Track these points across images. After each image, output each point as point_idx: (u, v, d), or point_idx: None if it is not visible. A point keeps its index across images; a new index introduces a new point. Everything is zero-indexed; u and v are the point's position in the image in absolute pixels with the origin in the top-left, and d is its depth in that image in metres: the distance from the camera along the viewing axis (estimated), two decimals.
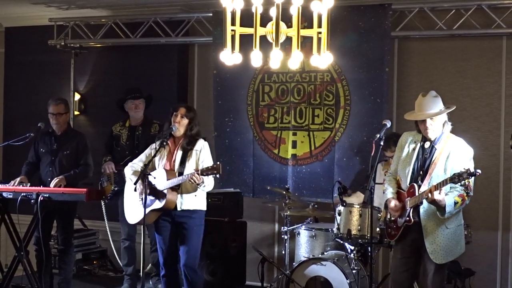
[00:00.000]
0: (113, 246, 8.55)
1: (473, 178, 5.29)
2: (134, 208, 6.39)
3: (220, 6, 4.10)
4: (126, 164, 6.63)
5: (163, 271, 6.42)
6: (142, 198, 6.15)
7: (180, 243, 6.33)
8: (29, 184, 7.10)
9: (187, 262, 6.27)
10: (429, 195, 5.21)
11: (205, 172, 5.97)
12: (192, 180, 5.99)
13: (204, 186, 6.11)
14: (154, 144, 6.42)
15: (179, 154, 6.29)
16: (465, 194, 5.28)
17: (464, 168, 5.10)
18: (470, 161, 5.38)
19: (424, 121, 5.45)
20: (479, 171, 5.11)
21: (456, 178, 5.10)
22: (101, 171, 7.68)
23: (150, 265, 7.93)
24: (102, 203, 8.43)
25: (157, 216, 6.29)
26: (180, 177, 6.13)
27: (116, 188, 7.46)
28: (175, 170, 6.25)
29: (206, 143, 6.37)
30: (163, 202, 6.15)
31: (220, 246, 7.53)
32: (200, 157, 6.26)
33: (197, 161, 6.25)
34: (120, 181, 7.33)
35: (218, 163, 5.98)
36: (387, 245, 6.36)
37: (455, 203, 5.26)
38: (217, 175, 6.05)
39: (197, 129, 6.37)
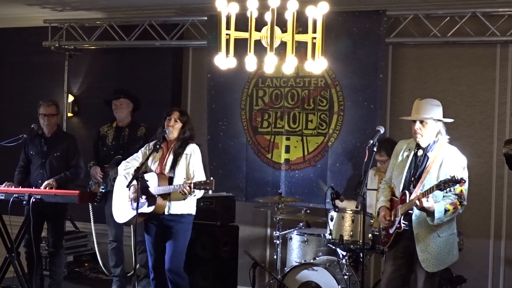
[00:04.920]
0: (96, 248, 8.53)
1: (466, 186, 5.30)
2: (123, 208, 6.38)
3: (215, 10, 4.10)
4: (112, 165, 6.63)
5: (152, 274, 6.42)
6: (132, 200, 6.16)
7: (167, 244, 6.32)
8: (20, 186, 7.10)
9: (171, 267, 6.27)
10: (417, 202, 5.22)
11: (198, 186, 5.97)
12: (183, 192, 5.98)
13: (195, 195, 6.11)
14: (149, 145, 6.42)
15: (170, 158, 6.29)
16: (457, 203, 5.29)
17: (449, 176, 5.11)
18: (463, 170, 5.38)
19: (414, 124, 5.49)
20: (464, 178, 5.12)
21: (442, 185, 5.11)
22: (90, 174, 7.67)
23: (138, 266, 7.92)
24: (90, 206, 8.41)
25: (144, 219, 6.30)
26: (172, 186, 6.12)
27: (103, 190, 7.45)
28: (166, 174, 6.25)
29: (197, 148, 6.36)
30: (152, 208, 6.14)
31: (212, 250, 7.50)
32: (190, 162, 6.25)
33: (187, 166, 6.24)
34: (107, 183, 7.37)
35: (211, 178, 5.98)
36: (379, 251, 6.37)
37: (446, 210, 5.26)
38: (209, 191, 6.04)
39: (190, 133, 6.37)
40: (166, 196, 6.16)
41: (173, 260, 6.27)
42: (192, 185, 5.95)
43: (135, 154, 6.49)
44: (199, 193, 6.15)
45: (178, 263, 6.31)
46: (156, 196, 6.14)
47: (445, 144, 5.49)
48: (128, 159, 6.48)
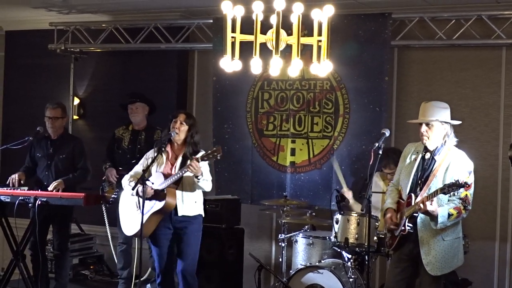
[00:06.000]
0: (113, 252, 8.52)
1: (472, 191, 5.30)
2: (131, 218, 6.35)
3: (221, 13, 4.10)
4: (128, 169, 6.62)
5: (159, 278, 6.39)
6: (138, 203, 6.13)
7: (179, 248, 6.31)
8: (26, 188, 7.10)
9: (187, 268, 6.26)
10: (421, 205, 5.21)
11: (206, 156, 5.95)
12: (191, 168, 5.94)
13: (204, 179, 6.08)
14: (149, 153, 6.40)
15: (179, 161, 6.26)
16: (462, 207, 5.27)
17: (454, 179, 5.11)
18: (469, 174, 5.37)
19: (420, 127, 5.48)
20: (468, 182, 5.12)
21: (446, 189, 5.10)
22: (100, 175, 7.68)
23: (149, 270, 7.92)
24: (104, 208, 8.41)
25: (157, 223, 6.23)
26: (179, 171, 6.09)
27: (115, 196, 7.43)
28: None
29: None
30: (162, 203, 6.10)
31: (217, 253, 7.51)
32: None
33: None
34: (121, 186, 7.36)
35: (218, 146, 5.96)
36: (385, 254, 6.36)
37: (450, 215, 5.24)
38: (218, 157, 6.02)
39: (198, 136, 6.34)
40: (175, 186, 6.14)
41: (189, 261, 6.28)
42: (199, 159, 5.95)
43: (136, 166, 6.45)
44: (206, 176, 6.13)
45: (193, 264, 6.32)
46: (165, 191, 6.11)
47: (453, 148, 5.47)
48: (130, 173, 6.45)
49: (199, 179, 6.06)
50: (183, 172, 6.05)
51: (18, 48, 9.76)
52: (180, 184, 6.17)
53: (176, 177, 6.10)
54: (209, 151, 5.97)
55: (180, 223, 6.24)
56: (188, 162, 6.01)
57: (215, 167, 8.09)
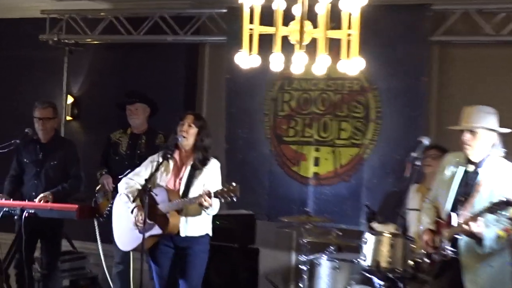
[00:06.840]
0: (106, 272, 8.50)
1: None
2: (127, 232, 6.31)
3: (236, 1, 4.09)
4: None
5: None
6: (136, 222, 6.10)
7: (182, 270, 6.27)
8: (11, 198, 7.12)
9: None
10: (465, 227, 5.16)
11: (220, 195, 5.88)
12: (203, 204, 5.90)
13: (212, 209, 6.05)
14: (155, 156, 6.37)
15: (187, 171, 6.22)
16: (511, 228, 5.21)
17: (504, 197, 5.04)
18: None
19: (463, 134, 5.42)
20: None
21: (493, 208, 5.05)
22: (95, 185, 7.67)
23: None
24: (96, 222, 8.38)
25: (155, 242, 6.22)
26: (187, 199, 6.06)
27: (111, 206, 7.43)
28: (180, 190, 6.18)
29: (218, 164, 6.31)
30: (165, 227, 6.09)
31: (228, 276, 7.50)
32: (209, 177, 6.19)
33: (205, 181, 6.17)
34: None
35: (235, 184, 5.84)
36: (422, 281, 6.30)
37: (498, 237, 5.20)
38: (234, 198, 5.89)
39: (209, 140, 6.30)
40: (180, 211, 6.12)
41: (192, 283, 6.24)
42: (212, 195, 5.87)
43: (136, 169, 6.41)
44: (216, 206, 6.09)
45: (197, 287, 6.30)
46: (168, 214, 6.09)
47: (500, 160, 5.41)
48: (129, 175, 6.42)
49: (206, 209, 6.03)
50: (192, 202, 6.01)
51: (5, 39, 9.80)
52: (183, 210, 6.12)
53: (182, 204, 6.06)
54: (225, 189, 5.85)
55: (183, 242, 6.20)
56: (201, 196, 5.91)
57: (227, 176, 8.06)
